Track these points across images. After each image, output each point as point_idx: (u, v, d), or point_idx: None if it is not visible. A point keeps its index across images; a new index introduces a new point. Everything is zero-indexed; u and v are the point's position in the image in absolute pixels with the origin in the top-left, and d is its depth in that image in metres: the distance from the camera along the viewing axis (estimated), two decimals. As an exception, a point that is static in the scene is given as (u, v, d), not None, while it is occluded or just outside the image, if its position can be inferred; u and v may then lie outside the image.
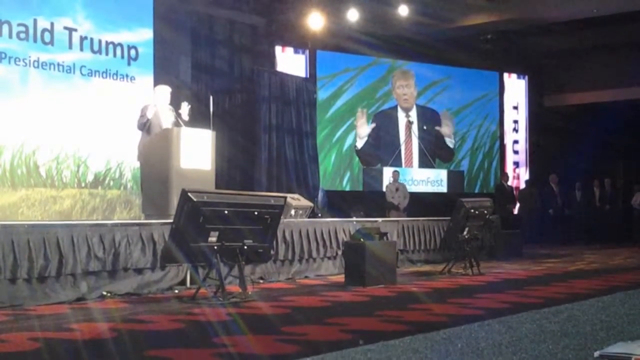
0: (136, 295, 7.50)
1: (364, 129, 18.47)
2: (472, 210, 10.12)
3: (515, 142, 21.35)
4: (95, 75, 12.48)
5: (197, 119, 13.00)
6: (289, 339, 5.00)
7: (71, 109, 12.04)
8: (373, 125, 18.57)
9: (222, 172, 11.90)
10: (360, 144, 18.43)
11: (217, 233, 6.88)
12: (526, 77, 21.58)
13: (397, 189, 16.45)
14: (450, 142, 19.88)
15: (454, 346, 4.61)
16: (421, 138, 19.13)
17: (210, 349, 4.69)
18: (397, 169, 17.60)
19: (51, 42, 11.98)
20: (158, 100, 9.83)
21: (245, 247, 7.06)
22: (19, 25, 11.60)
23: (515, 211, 19.69)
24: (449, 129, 19.86)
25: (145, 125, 9.66)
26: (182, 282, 8.07)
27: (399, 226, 11.39)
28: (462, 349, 4.51)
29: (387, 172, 18.03)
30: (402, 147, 18.93)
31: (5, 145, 11.35)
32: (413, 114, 19.22)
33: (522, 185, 20.85)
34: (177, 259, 7.05)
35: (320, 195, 15.39)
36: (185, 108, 9.81)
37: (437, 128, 19.66)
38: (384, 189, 17.06)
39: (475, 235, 10.25)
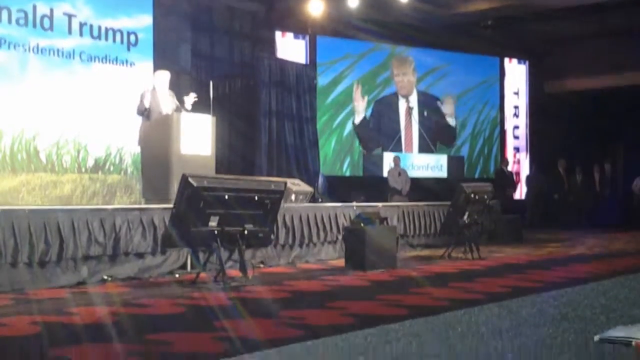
0: (137, 279, 7.52)
1: (360, 104, 18.35)
2: (473, 195, 10.13)
3: (516, 127, 21.31)
4: (94, 61, 12.47)
5: (197, 104, 12.99)
6: (289, 323, 5.02)
7: (71, 95, 12.03)
8: (367, 105, 18.43)
9: (222, 157, 11.88)
10: (358, 119, 18.33)
11: (217, 218, 6.89)
12: (527, 63, 21.53)
13: (399, 174, 16.49)
14: (451, 121, 19.82)
15: (454, 330, 4.62)
16: (421, 123, 19.10)
17: (210, 332, 4.71)
18: (397, 154, 17.61)
19: (51, 28, 11.96)
20: (157, 85, 9.83)
21: (246, 232, 7.07)
22: (18, 11, 11.59)
23: (522, 196, 19.76)
24: (451, 108, 19.81)
25: (144, 113, 9.66)
26: (183, 267, 8.09)
27: (399, 211, 11.40)
28: (463, 333, 4.52)
29: (387, 158, 18.03)
30: (402, 133, 18.91)
31: (6, 131, 11.35)
32: (413, 100, 19.18)
33: (523, 171, 20.87)
34: (177, 244, 7.07)
35: (320, 180, 15.38)
36: (190, 98, 9.81)
37: (438, 104, 19.58)
38: (385, 174, 17.09)
39: (476, 220, 10.26)
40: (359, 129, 18.28)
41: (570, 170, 19.14)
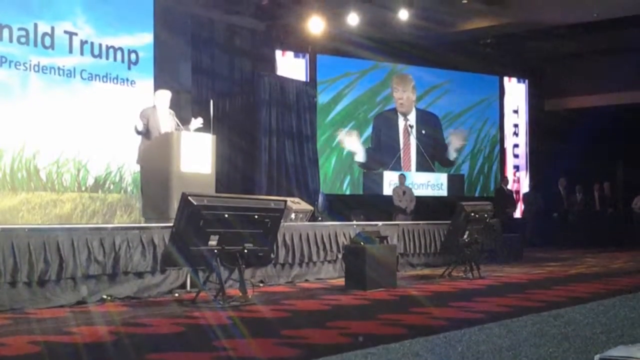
0: (136, 298, 7.49)
1: (353, 143, 18.32)
2: (473, 214, 10.10)
3: (516, 146, 21.35)
4: (95, 80, 12.51)
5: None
6: (289, 343, 5.00)
7: (71, 113, 12.06)
8: (355, 133, 18.39)
9: (222, 175, 11.90)
10: (360, 157, 18.34)
11: (217, 237, 6.88)
12: (526, 81, 21.59)
13: (404, 192, 16.47)
14: (453, 154, 19.92)
15: (454, 350, 4.61)
16: (421, 142, 19.12)
17: (210, 352, 4.69)
18: (402, 172, 17.61)
19: (51, 46, 12.00)
20: (158, 104, 9.84)
21: (246, 251, 7.06)
22: (19, 29, 11.63)
23: (519, 215, 19.73)
24: (459, 143, 19.91)
25: (139, 134, 9.68)
26: (183, 286, 8.06)
27: (399, 230, 11.38)
28: (463, 353, 4.51)
29: (387, 176, 18.04)
30: (401, 151, 18.93)
31: (6, 149, 11.36)
32: (412, 118, 19.23)
33: (523, 189, 20.88)
34: (177, 263, 7.05)
35: (320, 198, 15.38)
36: (196, 123, 9.82)
37: (449, 137, 19.72)
38: (390, 193, 17.06)
39: (476, 238, 10.23)
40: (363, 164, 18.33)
41: (570, 188, 19.13)
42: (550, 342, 4.80)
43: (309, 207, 11.96)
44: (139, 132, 9.69)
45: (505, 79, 21.13)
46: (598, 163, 19.68)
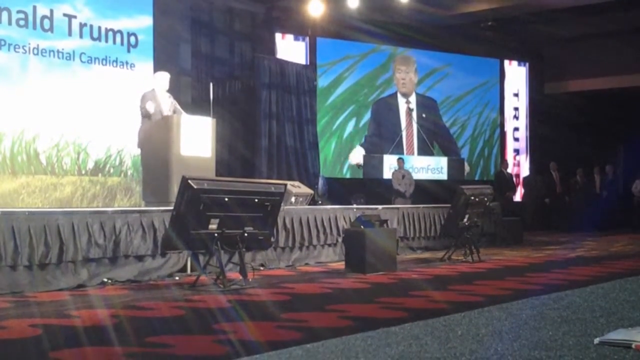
0: (137, 282, 7.52)
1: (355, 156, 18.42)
2: (472, 198, 10.11)
3: (516, 129, 21.32)
4: (95, 62, 12.47)
5: (197, 106, 12.99)
6: (289, 326, 5.01)
7: (71, 96, 12.02)
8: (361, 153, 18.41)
9: (222, 159, 11.89)
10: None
11: (217, 220, 6.89)
12: (527, 64, 21.53)
13: (403, 176, 16.46)
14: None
15: (454, 333, 4.61)
16: (421, 125, 19.10)
17: (210, 335, 4.71)
18: (400, 156, 17.59)
19: (51, 29, 11.96)
20: (157, 87, 9.81)
21: (246, 235, 7.07)
22: (18, 12, 11.58)
23: (519, 198, 19.73)
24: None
25: (148, 117, 9.63)
26: (183, 269, 8.09)
27: (399, 213, 11.39)
28: (462, 336, 4.52)
29: (387, 160, 18.01)
30: (404, 134, 18.91)
31: (6, 133, 11.35)
32: (413, 101, 19.20)
33: (523, 173, 20.88)
34: (177, 246, 7.06)
35: (320, 182, 15.38)
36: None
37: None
38: (389, 177, 17.06)
39: (476, 222, 10.26)
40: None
41: (570, 172, 19.11)
42: (550, 325, 4.81)
43: (309, 191, 11.96)
44: (146, 116, 9.58)
45: (506, 62, 21.07)
46: (598, 146, 19.67)
